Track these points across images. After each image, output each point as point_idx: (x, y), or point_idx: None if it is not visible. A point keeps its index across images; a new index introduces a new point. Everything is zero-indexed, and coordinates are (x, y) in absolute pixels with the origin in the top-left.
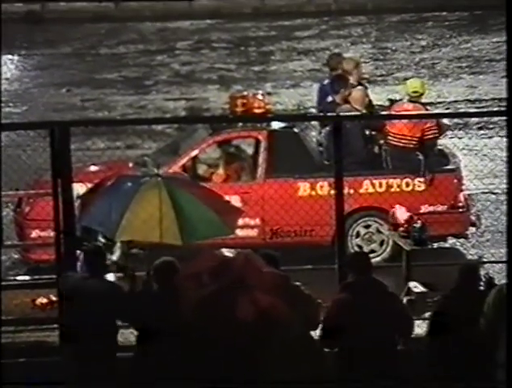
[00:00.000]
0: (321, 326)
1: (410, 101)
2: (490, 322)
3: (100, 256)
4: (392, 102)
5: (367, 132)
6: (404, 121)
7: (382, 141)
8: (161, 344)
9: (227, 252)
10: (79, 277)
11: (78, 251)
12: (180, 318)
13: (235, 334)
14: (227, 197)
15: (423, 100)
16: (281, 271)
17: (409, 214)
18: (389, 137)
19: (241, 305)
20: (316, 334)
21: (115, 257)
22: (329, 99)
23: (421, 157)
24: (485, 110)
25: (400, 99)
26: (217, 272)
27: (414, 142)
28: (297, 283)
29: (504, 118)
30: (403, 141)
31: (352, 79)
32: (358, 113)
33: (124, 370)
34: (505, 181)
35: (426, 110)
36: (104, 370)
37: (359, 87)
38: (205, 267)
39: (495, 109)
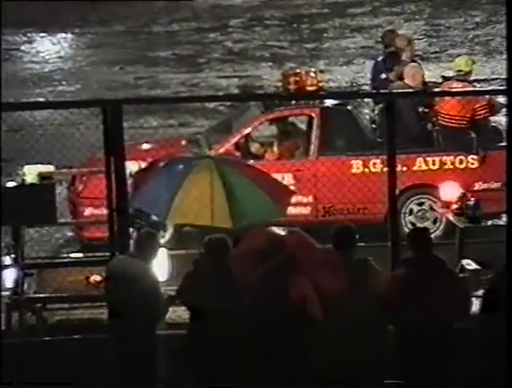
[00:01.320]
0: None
1: (458, 80)
2: None
3: (151, 240)
4: (445, 79)
5: (420, 110)
6: (454, 101)
7: (435, 119)
8: (212, 325)
9: (277, 230)
10: (126, 258)
11: (131, 229)
12: (234, 298)
13: (290, 314)
14: (280, 175)
15: (476, 77)
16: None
17: (462, 191)
18: (440, 118)
19: (297, 285)
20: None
21: (168, 235)
22: (383, 76)
23: (473, 135)
24: (488, 89)
25: (452, 77)
26: (270, 252)
27: (465, 122)
28: (367, 258)
29: None
30: (453, 121)
31: (405, 56)
32: (410, 90)
33: (174, 348)
34: None
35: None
36: (146, 350)
37: (413, 64)
38: (257, 247)
39: (501, 88)
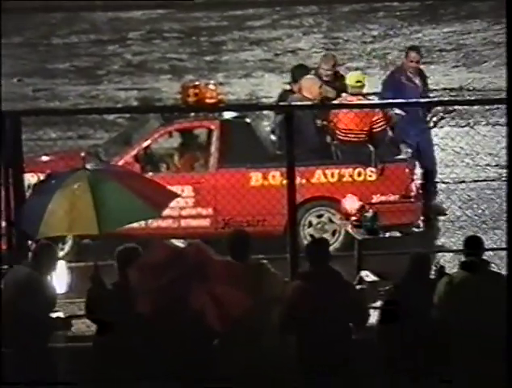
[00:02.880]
0: (277, 314)
1: (352, 94)
2: (442, 313)
3: (48, 252)
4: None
5: (319, 122)
6: (351, 115)
7: (333, 133)
8: (116, 336)
9: (178, 243)
10: (21, 268)
11: (30, 241)
12: (134, 310)
13: (191, 324)
14: (179, 187)
15: (375, 90)
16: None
17: (360, 204)
18: (337, 132)
19: (195, 296)
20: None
21: (67, 247)
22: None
23: (371, 148)
24: (484, 98)
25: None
26: (170, 264)
27: (363, 136)
28: (262, 262)
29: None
30: (351, 135)
31: (325, 75)
32: (308, 103)
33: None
34: (455, 171)
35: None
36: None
37: (309, 76)
38: (157, 259)
39: (495, 98)
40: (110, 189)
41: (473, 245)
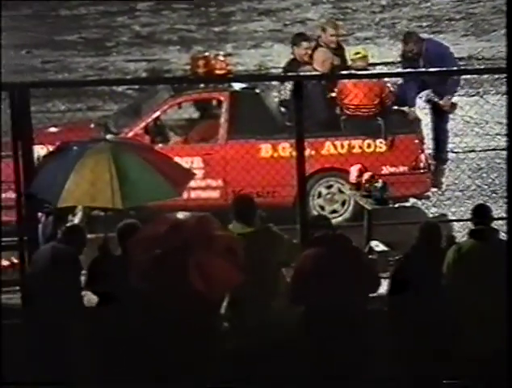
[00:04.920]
0: (290, 281)
1: (357, 69)
2: (452, 281)
3: (78, 233)
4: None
5: (329, 94)
6: (360, 91)
7: (341, 109)
8: (113, 309)
9: (181, 215)
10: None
11: (40, 213)
12: (129, 284)
13: (180, 299)
14: (189, 159)
15: (383, 60)
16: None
17: (370, 174)
18: (346, 109)
19: (186, 270)
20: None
21: (76, 219)
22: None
23: (380, 120)
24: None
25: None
26: (166, 236)
27: (373, 110)
28: (269, 225)
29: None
30: (362, 110)
31: (326, 40)
32: (318, 73)
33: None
34: (465, 140)
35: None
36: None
37: (323, 49)
38: (156, 231)
39: (496, 67)
40: (132, 163)
41: (481, 213)
